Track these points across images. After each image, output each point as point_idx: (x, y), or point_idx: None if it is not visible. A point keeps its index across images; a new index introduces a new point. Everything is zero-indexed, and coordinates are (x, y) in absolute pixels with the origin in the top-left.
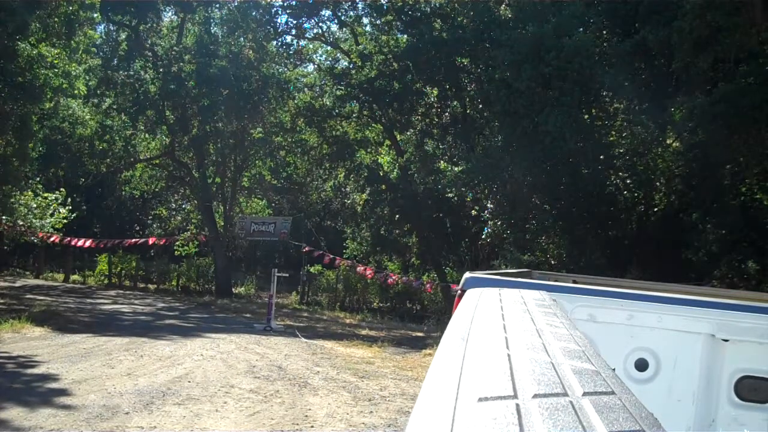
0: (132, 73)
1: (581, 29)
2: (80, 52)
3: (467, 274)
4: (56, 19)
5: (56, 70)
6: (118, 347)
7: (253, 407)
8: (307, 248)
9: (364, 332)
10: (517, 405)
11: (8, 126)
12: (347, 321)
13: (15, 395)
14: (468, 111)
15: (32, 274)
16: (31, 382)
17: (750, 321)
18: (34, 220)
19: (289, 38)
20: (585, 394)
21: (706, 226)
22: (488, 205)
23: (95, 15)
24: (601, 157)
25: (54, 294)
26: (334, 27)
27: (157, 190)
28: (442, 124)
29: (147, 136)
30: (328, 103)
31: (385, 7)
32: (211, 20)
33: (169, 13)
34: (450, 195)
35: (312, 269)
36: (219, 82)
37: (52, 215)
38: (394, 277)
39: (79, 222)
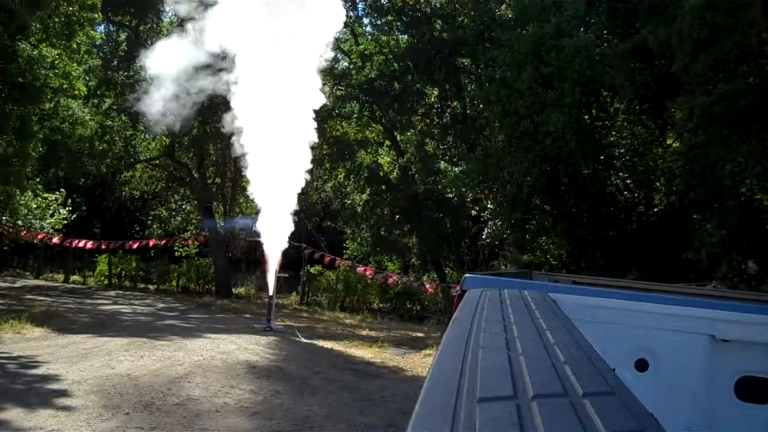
0: (132, 73)
1: (582, 29)
2: (81, 52)
3: (467, 275)
4: (56, 20)
5: (56, 71)
6: (118, 347)
7: (253, 407)
8: (307, 249)
9: (364, 333)
10: (518, 405)
11: (8, 126)
12: (347, 321)
13: (15, 396)
14: (468, 111)
15: (32, 274)
16: (31, 383)
17: (750, 321)
18: (34, 221)
19: None
20: (585, 394)
21: (706, 226)
22: (488, 205)
23: (95, 15)
24: (601, 157)
25: (54, 294)
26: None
27: (157, 190)
28: (442, 124)
29: (147, 136)
30: (328, 103)
31: (385, 8)
32: None
33: (169, 14)
34: (450, 195)
35: (312, 270)
36: None
37: (52, 216)
38: (394, 278)
39: (79, 222)
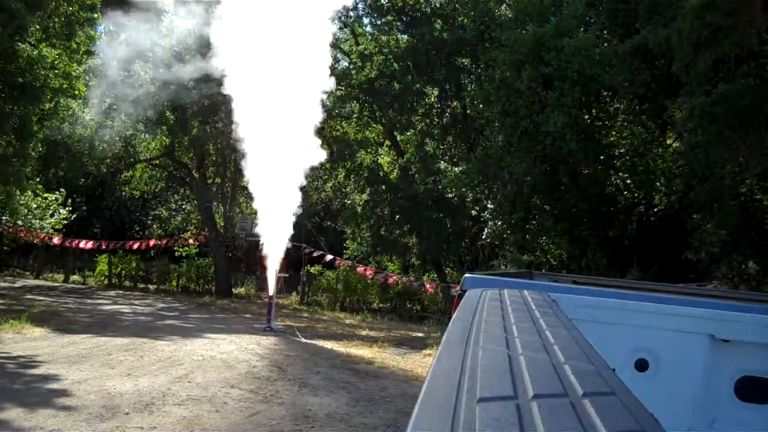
0: (132, 73)
1: (581, 29)
2: (81, 52)
3: (467, 275)
4: (56, 20)
5: (56, 71)
6: (118, 347)
7: (253, 407)
8: (307, 249)
9: (364, 332)
10: (517, 405)
11: (8, 126)
12: (347, 321)
13: (15, 396)
14: (468, 111)
15: (32, 274)
16: (31, 383)
17: (750, 321)
18: (34, 221)
19: None
20: (585, 394)
21: (706, 226)
22: (488, 205)
23: (95, 15)
24: (601, 157)
25: (54, 294)
26: (335, 27)
27: (157, 190)
28: (442, 124)
29: (147, 136)
30: (328, 103)
31: (385, 8)
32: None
33: (169, 13)
34: (450, 195)
35: (312, 269)
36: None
37: (52, 216)
38: (394, 278)
39: (79, 222)
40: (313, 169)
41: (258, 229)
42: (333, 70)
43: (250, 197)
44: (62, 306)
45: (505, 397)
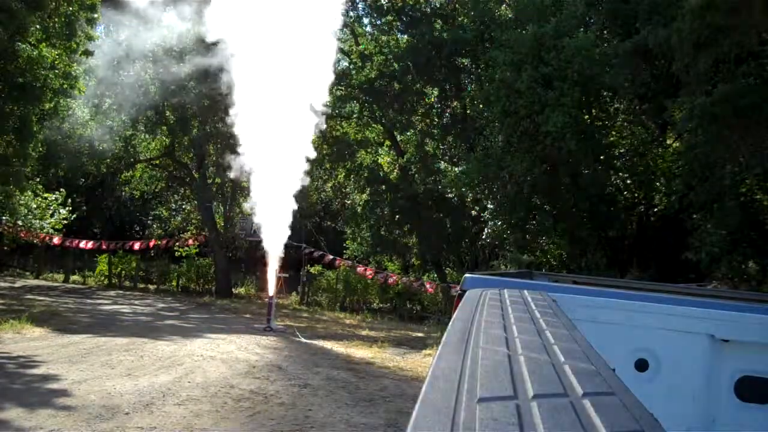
0: (132, 73)
1: (581, 29)
2: (80, 52)
3: (467, 275)
4: (56, 20)
5: (56, 71)
6: (118, 347)
7: (253, 407)
8: (307, 249)
9: (364, 333)
10: (517, 405)
11: (8, 127)
12: (347, 321)
13: (15, 395)
14: (468, 111)
15: (32, 274)
16: (31, 383)
17: (750, 321)
18: (34, 221)
19: None
20: (585, 394)
21: (706, 226)
22: (488, 205)
23: (95, 15)
24: (601, 157)
25: (54, 294)
26: (337, 27)
27: (157, 190)
28: (442, 124)
29: (147, 136)
30: (328, 103)
31: (385, 8)
32: None
33: (170, 13)
34: (450, 195)
35: (312, 269)
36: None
37: (52, 216)
38: (394, 278)
39: (79, 222)
40: (312, 166)
41: (258, 229)
42: (333, 70)
43: (248, 196)
44: (62, 306)
45: (505, 397)
